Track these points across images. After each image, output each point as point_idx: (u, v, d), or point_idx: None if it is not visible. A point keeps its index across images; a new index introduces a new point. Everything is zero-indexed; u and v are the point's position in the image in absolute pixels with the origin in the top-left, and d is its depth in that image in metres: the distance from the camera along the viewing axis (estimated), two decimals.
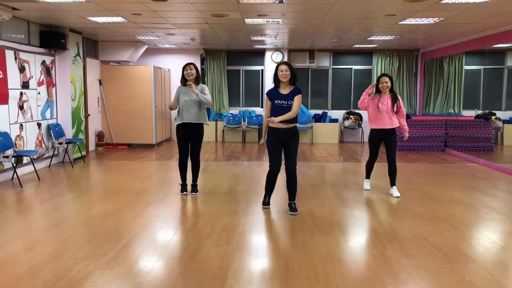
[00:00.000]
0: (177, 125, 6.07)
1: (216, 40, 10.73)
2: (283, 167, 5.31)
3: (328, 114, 12.81)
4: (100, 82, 11.00)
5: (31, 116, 7.95)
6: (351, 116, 12.45)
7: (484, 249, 4.15)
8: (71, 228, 4.70)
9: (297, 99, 5.13)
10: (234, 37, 10.21)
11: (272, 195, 5.66)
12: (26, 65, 7.77)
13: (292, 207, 5.33)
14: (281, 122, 5.08)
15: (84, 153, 9.43)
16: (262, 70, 12.99)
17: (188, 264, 3.73)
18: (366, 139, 12.59)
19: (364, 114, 12.58)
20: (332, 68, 13.05)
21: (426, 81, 12.61)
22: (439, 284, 3.36)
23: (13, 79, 7.39)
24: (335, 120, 12.80)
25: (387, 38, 10.15)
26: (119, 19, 7.71)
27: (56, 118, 8.87)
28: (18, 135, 7.54)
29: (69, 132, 8.98)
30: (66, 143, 8.72)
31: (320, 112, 12.99)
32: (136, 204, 5.68)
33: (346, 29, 8.94)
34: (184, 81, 5.93)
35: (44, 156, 8.39)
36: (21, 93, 7.64)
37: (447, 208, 5.54)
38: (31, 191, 6.54)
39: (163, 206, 5.66)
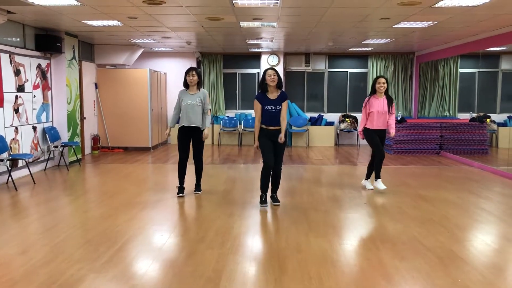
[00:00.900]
0: (179, 128, 6.26)
1: (212, 43, 10.75)
2: None
3: (324, 117, 12.85)
4: (96, 86, 11.00)
5: (27, 119, 7.95)
6: (346, 119, 12.50)
7: (478, 251, 4.17)
8: (66, 231, 4.70)
9: (285, 105, 5.61)
10: (230, 40, 10.24)
11: (268, 197, 5.71)
12: (21, 69, 7.77)
13: (275, 198, 5.82)
14: (272, 126, 5.56)
15: (79, 156, 9.42)
16: (258, 73, 13.02)
17: (183, 267, 3.74)
18: (361, 142, 12.64)
19: (360, 117, 12.60)
20: (328, 71, 13.09)
21: (421, 84, 12.66)
22: (432, 286, 3.38)
23: (8, 82, 7.39)
24: (331, 123, 12.83)
25: (382, 41, 10.20)
26: (114, 22, 7.72)
27: (52, 121, 8.86)
28: (13, 139, 7.53)
29: (64, 136, 8.97)
30: (61, 146, 8.71)
31: (316, 115, 13.02)
32: (131, 207, 5.69)
33: (341, 33, 8.98)
34: (186, 85, 6.19)
35: (39, 160, 8.38)
36: (17, 97, 7.63)
37: (441, 211, 5.56)
38: (26, 195, 6.53)
39: (158, 209, 5.66)
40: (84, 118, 10.28)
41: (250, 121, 12.57)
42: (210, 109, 6.43)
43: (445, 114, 12.46)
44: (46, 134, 8.47)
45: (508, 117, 11.91)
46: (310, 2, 6.20)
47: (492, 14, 6.97)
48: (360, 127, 6.57)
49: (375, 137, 6.42)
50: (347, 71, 13.08)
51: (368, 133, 6.46)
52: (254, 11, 6.78)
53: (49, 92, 8.77)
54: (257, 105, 5.53)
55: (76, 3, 6.16)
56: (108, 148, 11.15)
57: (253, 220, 5.19)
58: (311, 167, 9.01)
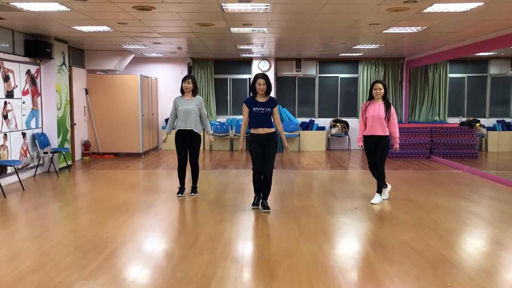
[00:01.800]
0: (175, 132, 6.51)
1: (203, 49, 10.76)
2: None
3: (315, 122, 12.88)
4: (87, 91, 10.95)
5: (16, 125, 7.89)
6: (338, 124, 12.54)
7: (467, 255, 4.19)
8: (55, 238, 4.66)
9: (276, 110, 5.71)
10: (220, 46, 10.26)
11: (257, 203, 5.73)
12: (10, 75, 7.72)
13: (265, 205, 5.77)
14: (262, 128, 5.59)
15: (70, 162, 9.35)
16: (249, 78, 13.03)
17: (172, 273, 3.72)
18: (353, 146, 12.68)
19: (351, 122, 12.69)
20: (319, 76, 13.15)
21: (412, 89, 12.76)
22: None
23: None
24: (322, 128, 12.87)
25: (372, 46, 10.27)
26: (104, 28, 7.71)
27: (42, 127, 8.80)
28: (2, 145, 7.46)
29: (54, 142, 8.91)
30: (51, 152, 8.65)
31: (307, 120, 13.06)
32: (121, 214, 5.65)
33: (331, 38, 9.03)
34: (183, 91, 6.53)
35: (29, 166, 8.31)
36: (5, 103, 7.57)
37: (431, 215, 5.59)
38: (15, 201, 6.47)
39: (148, 215, 5.63)
40: (75, 124, 10.22)
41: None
42: (206, 115, 6.69)
43: (435, 118, 12.55)
44: (36, 140, 8.41)
45: (497, 121, 12.01)
46: (300, 7, 6.23)
47: (480, 20, 7.05)
48: (359, 134, 6.31)
49: (370, 148, 6.17)
50: (337, 76, 13.15)
51: (365, 143, 6.23)
52: (245, 16, 6.80)
53: (39, 98, 8.71)
54: (245, 108, 5.68)
55: (65, 8, 6.14)
56: (99, 154, 11.09)
57: (244, 225, 5.19)
58: (302, 172, 9.02)
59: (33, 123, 8.47)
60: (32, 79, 8.46)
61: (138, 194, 6.97)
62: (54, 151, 8.67)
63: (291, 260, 4.02)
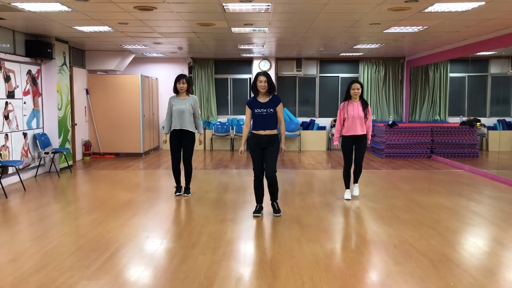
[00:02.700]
0: (170, 132, 6.51)
1: (203, 49, 10.76)
2: None
3: (315, 122, 12.89)
4: (87, 91, 10.95)
5: (17, 126, 7.89)
6: None
7: (469, 255, 4.19)
8: (57, 239, 4.66)
9: (280, 108, 5.42)
10: (221, 46, 10.25)
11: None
12: (11, 75, 7.72)
13: (275, 208, 5.56)
14: (263, 130, 5.35)
15: (70, 162, 9.35)
16: (250, 78, 13.03)
17: (175, 273, 3.72)
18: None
19: None
20: (319, 76, 13.15)
21: (412, 88, 12.76)
22: None
23: None
24: (323, 128, 12.87)
25: (373, 46, 10.26)
26: (105, 28, 7.70)
27: (42, 127, 8.80)
28: (3, 145, 7.46)
29: (55, 142, 8.91)
30: (52, 152, 8.65)
31: (307, 119, 13.06)
32: (123, 214, 5.65)
33: (332, 38, 9.03)
34: (176, 91, 6.47)
35: (30, 166, 8.31)
36: (6, 103, 7.57)
37: (433, 214, 5.59)
38: (16, 202, 6.47)
39: (150, 216, 5.63)
40: (75, 124, 10.23)
41: (242, 126, 12.54)
42: (199, 115, 6.64)
43: (435, 118, 12.55)
44: (37, 141, 8.41)
45: (497, 120, 12.01)
46: (301, 7, 6.23)
47: (481, 19, 7.05)
48: (335, 134, 6.33)
49: (349, 149, 6.25)
50: (338, 76, 13.15)
51: (343, 142, 6.29)
52: (246, 16, 6.80)
53: (40, 98, 8.71)
54: (247, 110, 5.46)
55: (66, 9, 6.14)
56: (100, 154, 11.09)
57: (246, 225, 5.18)
58: (303, 171, 9.02)
59: (34, 123, 8.47)
60: (33, 79, 8.46)
61: (139, 194, 6.97)
62: (55, 151, 8.67)
63: (294, 260, 4.02)
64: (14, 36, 7.90)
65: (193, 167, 6.76)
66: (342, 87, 13.08)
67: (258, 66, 12.65)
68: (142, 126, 11.13)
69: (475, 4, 6.00)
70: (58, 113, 8.96)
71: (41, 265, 3.90)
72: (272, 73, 12.56)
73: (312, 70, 13.09)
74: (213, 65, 12.92)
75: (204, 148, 12.67)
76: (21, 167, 7.85)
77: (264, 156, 5.39)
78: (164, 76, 12.84)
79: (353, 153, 6.30)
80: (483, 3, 5.91)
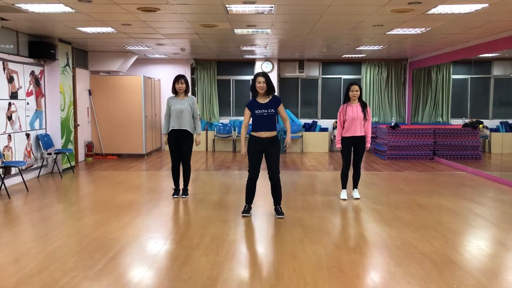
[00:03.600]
0: (169, 132, 6.46)
1: (206, 50, 10.77)
2: (262, 175, 5.54)
3: (318, 123, 12.88)
4: (90, 92, 10.97)
5: (20, 126, 7.90)
6: None
7: (472, 257, 4.18)
8: (59, 239, 4.66)
9: (282, 108, 5.45)
10: (224, 47, 10.26)
11: (262, 204, 5.68)
12: (14, 76, 7.74)
13: (279, 211, 5.54)
14: (264, 131, 5.32)
15: (73, 163, 9.37)
16: (252, 80, 13.01)
17: (178, 275, 3.72)
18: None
19: None
20: (322, 77, 13.15)
21: (415, 90, 12.74)
22: None
23: (2, 89, 7.36)
24: (325, 129, 12.86)
25: (375, 48, 10.26)
26: (109, 29, 7.72)
27: (45, 128, 8.82)
28: (6, 146, 7.48)
29: (58, 143, 8.93)
30: (55, 153, 8.66)
31: (310, 121, 13.06)
32: (125, 215, 5.66)
33: (335, 39, 9.03)
34: (175, 92, 6.46)
35: (32, 167, 8.33)
36: (10, 104, 7.59)
37: (435, 216, 5.58)
38: (19, 202, 6.48)
39: (152, 216, 5.64)
40: (78, 125, 10.24)
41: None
42: (198, 115, 6.59)
43: (438, 120, 12.53)
44: (40, 141, 8.43)
45: (500, 122, 11.99)
46: (304, 9, 6.24)
47: (484, 21, 7.04)
48: (337, 136, 6.39)
49: (349, 149, 6.31)
50: (340, 78, 13.15)
51: (343, 143, 6.34)
52: (248, 18, 6.81)
53: (43, 99, 8.73)
54: (247, 112, 5.42)
55: (70, 10, 6.16)
56: (102, 155, 11.11)
57: (248, 226, 5.18)
58: (306, 173, 9.01)
59: (37, 124, 8.49)
60: (36, 80, 8.48)
61: (141, 195, 6.98)
62: (57, 152, 8.69)
63: (296, 261, 4.01)
64: (17, 37, 7.92)
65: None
66: (344, 88, 13.04)
67: (260, 68, 12.65)
68: (144, 127, 11.14)
69: (478, 6, 6.00)
70: (61, 114, 8.98)
71: (44, 265, 3.90)
72: (274, 75, 12.57)
73: (314, 72, 13.09)
74: (216, 66, 12.93)
75: (206, 149, 12.69)
76: (24, 167, 7.87)
77: (267, 159, 5.39)
78: (167, 77, 12.83)
79: (351, 155, 6.37)
80: (486, 5, 5.90)
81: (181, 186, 6.73)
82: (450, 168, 9.58)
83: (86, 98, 10.83)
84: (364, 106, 6.28)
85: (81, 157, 10.55)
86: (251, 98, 5.58)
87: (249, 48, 10.38)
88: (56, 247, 4.42)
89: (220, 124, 12.67)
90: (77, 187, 7.81)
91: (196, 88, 12.85)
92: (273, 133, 5.38)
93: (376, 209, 6.01)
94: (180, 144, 6.44)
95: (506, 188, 7.41)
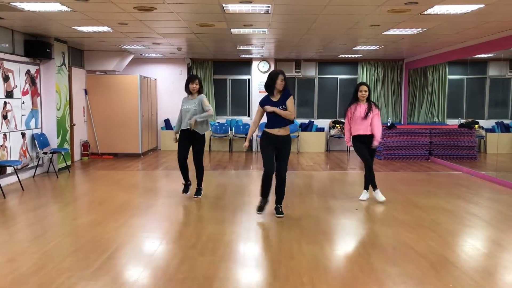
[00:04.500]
0: (180, 131, 6.48)
1: (202, 49, 10.76)
2: None
3: (314, 123, 12.89)
4: (86, 92, 10.94)
5: (15, 125, 7.87)
6: (337, 125, 12.55)
7: (468, 256, 4.20)
8: (55, 239, 4.64)
9: (290, 101, 5.38)
10: (220, 46, 10.25)
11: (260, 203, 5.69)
12: (10, 75, 7.70)
13: (279, 210, 5.54)
14: (277, 128, 5.33)
15: (69, 163, 9.34)
16: (249, 79, 13.03)
17: (174, 274, 3.71)
18: (352, 148, 12.67)
19: None
20: (318, 77, 13.16)
21: (411, 90, 12.78)
22: None
23: None
24: (321, 129, 12.87)
25: (372, 48, 10.28)
26: (105, 28, 7.70)
27: (41, 127, 8.78)
28: (1, 145, 7.44)
29: (54, 142, 8.89)
30: (51, 153, 8.63)
31: (306, 121, 13.06)
32: (121, 214, 5.64)
33: (331, 39, 9.04)
34: (189, 92, 6.40)
35: (28, 166, 8.29)
36: (5, 103, 7.56)
37: (431, 216, 5.60)
38: (15, 202, 6.45)
39: (148, 216, 5.63)
40: (74, 125, 10.21)
41: (241, 127, 12.57)
42: (209, 109, 6.37)
43: (434, 120, 12.58)
44: (35, 141, 8.39)
45: (496, 123, 12.05)
46: (300, 9, 6.24)
47: (480, 22, 7.07)
48: (346, 135, 6.41)
49: (361, 147, 6.27)
50: (337, 78, 13.16)
51: (354, 143, 6.33)
52: (245, 17, 6.80)
53: (38, 98, 8.70)
54: (259, 109, 5.47)
55: (66, 9, 6.13)
56: (98, 154, 11.07)
57: (245, 226, 5.18)
58: (302, 173, 9.02)
59: (32, 123, 8.46)
60: (32, 79, 8.44)
61: (138, 194, 6.96)
62: (53, 152, 8.66)
63: (293, 261, 4.01)
64: (13, 35, 7.88)
65: (191, 169, 6.66)
66: (341, 88, 13.10)
67: (257, 67, 12.65)
68: (140, 126, 11.11)
69: (474, 7, 6.02)
70: (57, 113, 8.94)
71: (40, 265, 3.89)
72: None
73: (311, 72, 13.10)
74: (212, 66, 12.91)
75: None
76: (19, 167, 7.83)
77: (279, 156, 5.41)
78: (163, 76, 12.84)
79: (368, 152, 6.28)
80: (482, 5, 5.92)
81: (193, 185, 6.69)
82: (446, 168, 9.61)
83: (82, 97, 10.79)
84: (371, 106, 6.22)
85: (77, 156, 10.51)
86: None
87: (245, 47, 10.37)
88: (52, 247, 4.40)
89: (217, 124, 12.65)
90: (73, 187, 7.78)
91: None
92: (287, 131, 5.42)
93: (372, 208, 6.02)
94: (188, 143, 6.41)
95: (502, 188, 7.44)
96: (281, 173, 5.43)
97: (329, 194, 6.92)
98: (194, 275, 3.69)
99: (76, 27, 7.65)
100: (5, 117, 7.55)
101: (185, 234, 4.87)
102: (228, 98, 13.22)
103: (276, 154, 5.43)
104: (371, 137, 6.21)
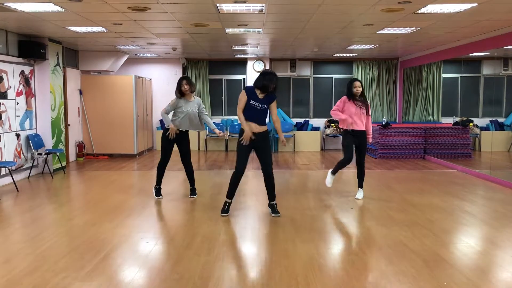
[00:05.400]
0: (167, 129, 6.28)
1: (197, 49, 10.75)
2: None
3: (309, 123, 12.91)
4: (81, 92, 10.91)
5: (10, 126, 7.84)
6: (332, 124, 12.58)
7: (462, 254, 4.22)
8: (50, 240, 4.63)
9: (274, 106, 5.43)
10: (215, 46, 10.25)
11: (254, 204, 5.68)
12: (4, 75, 7.67)
13: (275, 209, 5.52)
14: (254, 123, 5.32)
15: (64, 163, 9.31)
16: (244, 79, 13.04)
17: (169, 274, 3.71)
18: None
19: None
20: (313, 77, 13.18)
21: (405, 89, 12.82)
22: None
23: None
24: (317, 128, 12.90)
25: (366, 47, 10.30)
26: (99, 28, 7.68)
27: (36, 128, 8.75)
28: None
29: (48, 143, 8.86)
30: (45, 153, 8.61)
31: (302, 120, 13.08)
32: (117, 215, 5.63)
33: (326, 39, 9.05)
34: (182, 94, 6.22)
35: (23, 167, 8.26)
36: None
37: (426, 214, 5.62)
38: (9, 203, 6.43)
39: (143, 216, 5.62)
40: (69, 125, 10.18)
41: (236, 126, 12.56)
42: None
43: (429, 118, 12.62)
44: (30, 142, 8.36)
45: (490, 121, 12.11)
46: (295, 8, 6.25)
47: (473, 20, 7.10)
48: (340, 116, 6.23)
49: (351, 143, 6.30)
50: (332, 77, 13.18)
51: (347, 138, 6.33)
52: (240, 17, 6.81)
53: (33, 99, 8.67)
54: (243, 96, 5.32)
55: (60, 9, 6.11)
56: (93, 155, 11.05)
57: (240, 226, 5.19)
58: (298, 172, 9.03)
59: (27, 124, 8.42)
60: (26, 80, 8.41)
61: (133, 195, 6.95)
62: (48, 152, 8.63)
63: (288, 260, 4.02)
64: (7, 36, 7.85)
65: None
66: (336, 87, 13.12)
67: (252, 67, 12.66)
68: (136, 127, 11.09)
69: (467, 6, 6.04)
70: (52, 114, 8.91)
71: (35, 266, 3.88)
72: None
73: (306, 71, 13.12)
74: (207, 65, 12.91)
75: (198, 149, 12.66)
76: (14, 168, 7.81)
77: (259, 154, 5.43)
78: (158, 76, 12.82)
79: (354, 151, 6.34)
80: (475, 4, 5.95)
81: (184, 186, 6.70)
82: (440, 166, 9.65)
83: (77, 98, 10.76)
84: (365, 101, 6.31)
85: (72, 157, 10.48)
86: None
87: (240, 47, 10.37)
88: (47, 247, 4.39)
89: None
90: (68, 188, 7.76)
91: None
92: (263, 128, 5.38)
93: (367, 207, 6.04)
94: (178, 143, 6.35)
95: (496, 186, 7.48)
96: (268, 171, 5.41)
97: (324, 193, 6.94)
98: (189, 275, 3.69)
99: (70, 28, 7.63)
100: None
101: (180, 234, 4.87)
102: (223, 97, 13.22)
103: (256, 153, 5.44)
104: (364, 132, 6.28)
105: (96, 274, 3.70)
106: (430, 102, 12.64)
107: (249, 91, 5.36)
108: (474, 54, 10.37)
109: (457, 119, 11.79)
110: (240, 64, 13.02)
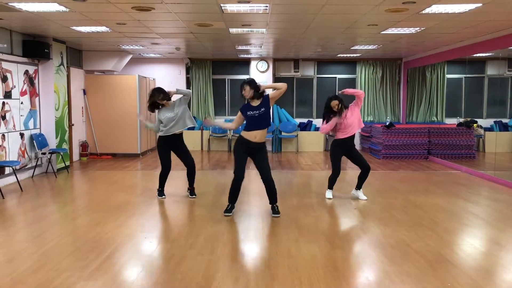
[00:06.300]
0: (163, 137, 6.31)
1: (201, 49, 10.76)
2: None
3: (313, 123, 12.90)
4: (84, 92, 10.93)
5: (14, 126, 7.86)
6: None
7: (466, 255, 4.21)
8: (54, 239, 4.65)
9: (273, 96, 5.48)
10: (219, 46, 10.25)
11: (258, 203, 5.68)
12: (8, 75, 7.70)
13: (275, 210, 5.54)
14: (255, 130, 5.37)
15: (68, 163, 9.33)
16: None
17: (173, 274, 3.71)
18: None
19: None
20: (317, 77, 13.16)
21: (409, 89, 12.79)
22: None
23: None
24: None
25: (370, 47, 10.29)
26: (103, 28, 7.69)
27: (40, 128, 8.78)
28: (0, 145, 7.44)
29: (52, 142, 8.89)
30: (49, 153, 8.63)
31: (305, 120, 13.07)
32: (120, 214, 5.64)
33: (329, 39, 9.04)
34: (158, 106, 6.26)
35: (27, 167, 8.29)
36: (3, 103, 7.55)
37: (430, 215, 5.61)
38: (13, 202, 6.45)
39: (147, 216, 5.63)
40: (72, 125, 10.20)
41: (240, 126, 12.53)
42: (188, 91, 6.41)
43: (432, 119, 12.59)
44: (34, 141, 8.38)
45: (494, 122, 12.06)
46: (298, 8, 6.24)
47: (478, 21, 7.07)
48: (327, 127, 6.35)
49: (340, 155, 6.39)
50: (335, 77, 13.17)
51: (336, 148, 6.40)
52: (243, 17, 6.81)
53: (37, 98, 8.69)
54: (239, 115, 5.55)
55: (64, 9, 6.13)
56: (97, 154, 11.07)
57: (243, 226, 5.19)
58: (301, 172, 9.02)
59: (31, 124, 8.45)
60: (30, 80, 8.44)
61: (136, 194, 6.96)
62: (52, 152, 8.65)
63: (291, 260, 4.02)
64: (11, 36, 7.88)
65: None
66: (340, 88, 13.07)
67: (255, 67, 12.66)
68: (139, 126, 11.11)
69: (472, 6, 6.02)
70: (55, 114, 8.94)
71: (39, 265, 3.89)
72: (269, 74, 12.59)
73: (309, 71, 13.11)
74: (211, 65, 12.92)
75: (201, 149, 12.67)
76: (18, 167, 7.83)
77: (257, 162, 5.49)
78: (162, 76, 12.83)
79: (341, 163, 6.44)
80: (480, 4, 5.93)
81: (183, 186, 6.74)
82: (444, 167, 9.62)
83: (81, 97, 10.79)
84: (343, 107, 6.26)
85: (75, 157, 10.51)
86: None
87: (244, 47, 10.37)
88: (51, 247, 4.40)
89: None
90: (71, 187, 7.78)
91: (191, 88, 12.83)
92: (263, 137, 5.44)
93: (371, 208, 6.03)
94: (174, 149, 6.40)
95: (500, 187, 7.45)
96: (267, 176, 5.45)
97: None
98: (192, 274, 3.69)
99: (74, 27, 7.65)
100: (3, 117, 7.55)
101: (183, 233, 4.88)
102: (226, 97, 13.22)
103: (254, 162, 5.53)
104: (352, 138, 6.32)
105: (99, 273, 3.71)
106: (434, 103, 12.61)
107: (243, 107, 5.52)
108: (478, 55, 10.33)
109: (461, 120, 11.75)
110: (244, 64, 13.03)
